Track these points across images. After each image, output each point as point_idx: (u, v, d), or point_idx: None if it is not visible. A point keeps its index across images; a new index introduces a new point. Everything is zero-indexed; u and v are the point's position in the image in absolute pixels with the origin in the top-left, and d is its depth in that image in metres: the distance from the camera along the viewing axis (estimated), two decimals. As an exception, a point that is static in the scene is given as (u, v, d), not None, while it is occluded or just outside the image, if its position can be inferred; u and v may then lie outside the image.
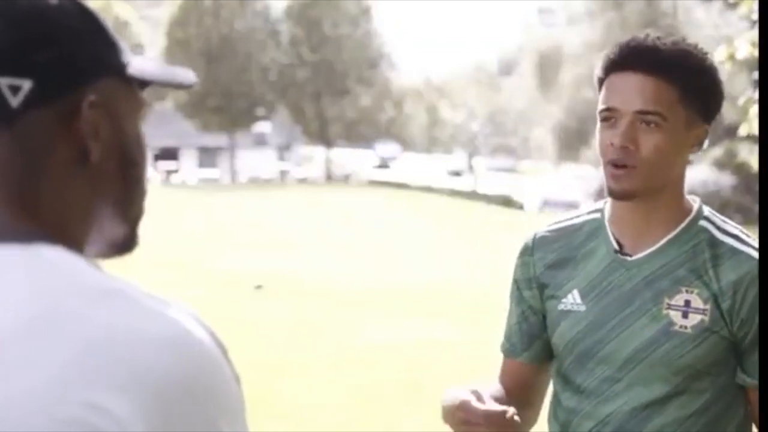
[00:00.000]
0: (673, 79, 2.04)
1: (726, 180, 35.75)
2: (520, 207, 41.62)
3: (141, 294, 1.03)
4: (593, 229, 2.19)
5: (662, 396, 2.08)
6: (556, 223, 2.27)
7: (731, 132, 6.01)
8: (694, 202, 2.17)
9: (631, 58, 2.06)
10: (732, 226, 2.15)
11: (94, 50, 1.11)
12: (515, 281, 2.28)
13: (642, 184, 2.05)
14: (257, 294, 16.32)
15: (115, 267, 1.09)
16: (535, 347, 2.26)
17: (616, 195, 2.08)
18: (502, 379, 2.31)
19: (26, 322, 1.00)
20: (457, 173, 60.25)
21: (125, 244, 1.15)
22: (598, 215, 2.20)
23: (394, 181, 50.59)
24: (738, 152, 35.34)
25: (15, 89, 1.06)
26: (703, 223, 2.13)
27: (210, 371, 1.01)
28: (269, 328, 12.85)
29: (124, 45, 1.15)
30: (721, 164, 35.88)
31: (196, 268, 19.64)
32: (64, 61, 1.08)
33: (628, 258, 2.12)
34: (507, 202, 43.07)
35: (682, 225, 2.12)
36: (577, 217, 2.24)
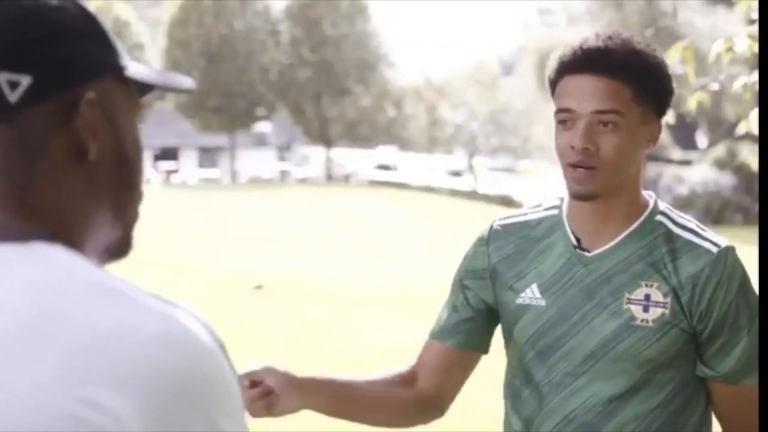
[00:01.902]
0: (626, 79, 2.07)
1: (726, 180, 35.72)
2: (520, 207, 41.50)
3: (140, 291, 1.03)
4: (551, 225, 2.21)
5: (626, 390, 2.10)
6: (513, 216, 2.30)
7: (731, 132, 5.94)
8: (651, 197, 2.20)
9: (583, 61, 2.09)
10: (688, 221, 2.18)
11: (94, 50, 1.11)
12: (465, 270, 2.30)
13: (604, 184, 2.08)
14: (257, 294, 16.31)
15: (115, 267, 1.08)
16: (464, 335, 2.28)
17: (579, 197, 2.11)
18: (420, 358, 2.33)
19: (24, 320, 0.99)
20: (457, 173, 60.13)
21: (120, 248, 1.14)
22: (556, 212, 2.23)
23: (394, 181, 50.55)
24: (738, 152, 35.31)
25: (13, 85, 1.05)
26: (659, 218, 2.16)
27: (208, 369, 1.01)
28: (269, 328, 12.84)
29: (122, 48, 1.15)
30: (721, 164, 35.87)
31: (196, 268, 19.63)
32: (63, 58, 1.08)
33: (587, 254, 2.15)
34: (507, 202, 43.03)
35: (639, 220, 2.15)
36: (535, 212, 2.27)
